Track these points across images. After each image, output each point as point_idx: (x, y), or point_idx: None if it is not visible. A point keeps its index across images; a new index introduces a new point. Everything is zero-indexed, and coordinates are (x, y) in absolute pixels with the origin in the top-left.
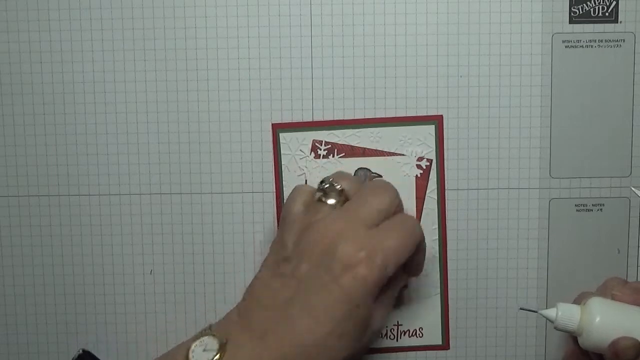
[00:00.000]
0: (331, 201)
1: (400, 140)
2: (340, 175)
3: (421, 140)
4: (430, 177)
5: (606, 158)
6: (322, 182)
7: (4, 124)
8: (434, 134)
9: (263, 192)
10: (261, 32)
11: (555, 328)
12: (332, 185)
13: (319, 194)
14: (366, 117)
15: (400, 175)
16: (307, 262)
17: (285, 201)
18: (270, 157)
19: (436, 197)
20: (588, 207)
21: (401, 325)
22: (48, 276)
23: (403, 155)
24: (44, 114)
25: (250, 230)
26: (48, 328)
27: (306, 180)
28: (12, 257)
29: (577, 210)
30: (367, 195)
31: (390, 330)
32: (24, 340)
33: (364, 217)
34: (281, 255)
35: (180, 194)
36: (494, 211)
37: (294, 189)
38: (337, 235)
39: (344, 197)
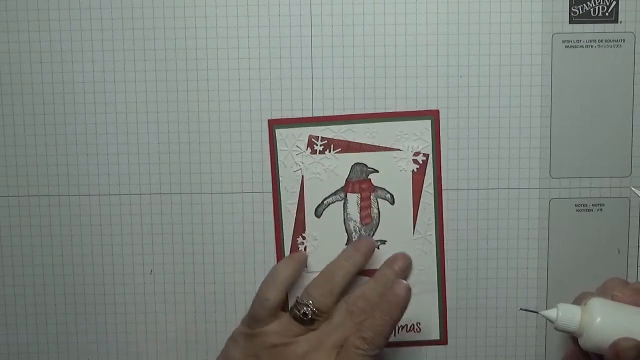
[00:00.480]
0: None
1: (397, 135)
2: (316, 289)
3: (417, 135)
4: (426, 172)
5: (606, 158)
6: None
7: (4, 124)
8: (430, 129)
9: (263, 192)
10: (261, 32)
11: (556, 329)
12: (305, 303)
13: (292, 307)
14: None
15: (396, 170)
16: None
17: (259, 289)
18: (268, 155)
19: (433, 192)
20: (588, 207)
21: None
22: (48, 276)
23: (399, 150)
24: (44, 114)
25: (250, 230)
26: (48, 328)
27: (303, 177)
28: (12, 257)
29: (577, 210)
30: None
31: None
32: (24, 340)
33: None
34: None
35: (180, 194)
36: (494, 211)
37: (273, 271)
38: None
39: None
